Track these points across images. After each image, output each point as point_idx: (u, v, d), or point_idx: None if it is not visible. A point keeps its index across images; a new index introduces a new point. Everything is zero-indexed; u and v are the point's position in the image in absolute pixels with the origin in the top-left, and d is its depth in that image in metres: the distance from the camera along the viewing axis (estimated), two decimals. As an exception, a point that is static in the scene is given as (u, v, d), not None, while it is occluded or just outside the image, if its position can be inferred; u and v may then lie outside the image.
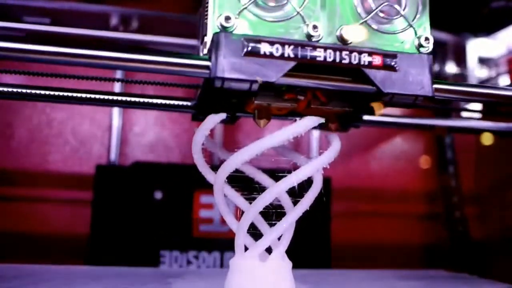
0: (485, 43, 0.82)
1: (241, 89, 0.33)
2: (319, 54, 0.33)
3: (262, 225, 0.39)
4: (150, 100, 0.51)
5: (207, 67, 0.33)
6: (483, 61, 0.82)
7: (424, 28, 0.37)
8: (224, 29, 0.32)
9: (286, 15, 0.34)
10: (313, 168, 0.36)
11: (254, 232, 0.38)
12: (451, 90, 0.38)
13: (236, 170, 0.37)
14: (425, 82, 0.35)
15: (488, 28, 0.80)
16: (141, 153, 0.79)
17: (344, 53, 0.34)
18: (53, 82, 0.67)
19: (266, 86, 0.33)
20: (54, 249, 0.73)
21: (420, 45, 0.36)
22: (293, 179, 0.35)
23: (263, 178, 0.40)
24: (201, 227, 0.70)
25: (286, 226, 0.36)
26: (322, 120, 0.37)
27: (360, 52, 0.34)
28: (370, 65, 0.34)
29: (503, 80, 0.79)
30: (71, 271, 0.51)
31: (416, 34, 0.36)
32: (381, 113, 0.41)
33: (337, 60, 0.34)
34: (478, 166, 0.89)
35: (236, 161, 0.35)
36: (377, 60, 0.34)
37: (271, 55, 0.32)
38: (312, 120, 0.35)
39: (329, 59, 0.33)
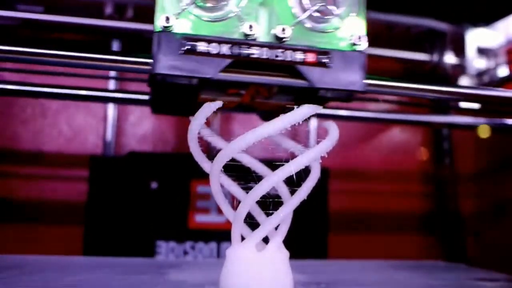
0: (484, 33, 0.81)
1: (181, 84, 0.35)
2: (255, 52, 0.36)
3: (259, 215, 0.38)
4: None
5: (149, 64, 0.35)
6: (482, 51, 0.81)
7: (358, 26, 0.39)
8: (165, 29, 0.34)
9: (225, 15, 0.36)
10: (311, 157, 0.35)
11: (251, 222, 0.37)
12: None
13: (233, 160, 0.36)
14: (357, 78, 0.37)
15: (487, 18, 0.80)
16: (136, 143, 0.78)
17: (278, 51, 0.36)
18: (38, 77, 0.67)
19: (207, 82, 0.35)
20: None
21: (354, 43, 0.38)
22: (290, 168, 0.34)
23: (260, 167, 0.39)
24: (197, 218, 0.69)
25: (283, 216, 0.36)
26: (320, 108, 0.36)
27: (294, 50, 0.36)
28: (303, 62, 0.36)
29: (502, 71, 0.79)
30: (66, 262, 0.51)
31: (350, 32, 0.38)
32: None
33: (272, 57, 0.36)
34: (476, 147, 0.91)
35: (232, 149, 0.35)
36: (310, 57, 0.36)
37: (208, 53, 0.35)
38: (310, 108, 0.35)
39: (264, 57, 0.36)
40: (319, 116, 0.69)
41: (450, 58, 0.82)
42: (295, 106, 0.35)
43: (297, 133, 0.80)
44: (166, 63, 0.34)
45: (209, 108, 0.36)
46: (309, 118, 0.36)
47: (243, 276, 0.35)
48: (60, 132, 0.76)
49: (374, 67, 0.87)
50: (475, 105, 0.77)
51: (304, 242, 0.71)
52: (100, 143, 0.76)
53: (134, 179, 0.69)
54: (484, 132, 0.85)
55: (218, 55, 0.35)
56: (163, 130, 0.79)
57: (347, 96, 0.38)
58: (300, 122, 0.35)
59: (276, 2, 0.37)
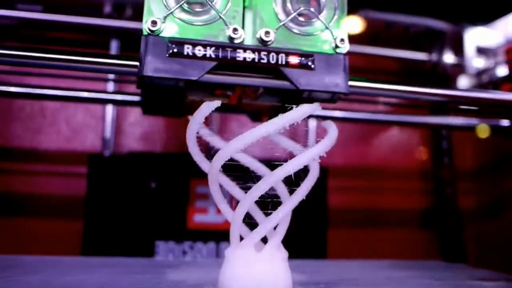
0: (483, 32, 0.81)
1: (168, 86, 0.36)
2: (239, 54, 0.36)
3: (257, 214, 0.38)
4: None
5: (136, 67, 0.37)
6: (481, 50, 0.81)
7: (340, 30, 0.40)
8: (152, 32, 0.35)
9: (211, 19, 0.37)
10: (310, 156, 0.35)
11: (250, 222, 0.37)
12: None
13: (231, 159, 0.36)
14: (340, 80, 0.38)
15: (486, 17, 0.80)
16: (135, 143, 0.78)
17: (262, 53, 0.37)
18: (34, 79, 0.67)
19: (194, 83, 0.36)
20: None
21: (337, 46, 0.39)
22: (289, 168, 0.34)
23: (258, 167, 0.39)
24: (196, 218, 0.69)
25: (282, 216, 0.36)
26: (319, 108, 0.36)
27: (277, 53, 0.37)
28: (287, 64, 0.37)
29: (501, 70, 0.79)
30: (65, 262, 0.51)
31: (333, 35, 0.39)
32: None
33: (256, 60, 0.37)
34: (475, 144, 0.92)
35: (231, 149, 0.35)
36: (293, 60, 0.37)
37: (194, 56, 0.36)
38: (309, 108, 0.35)
39: (248, 59, 0.37)
40: (317, 117, 0.69)
41: (449, 58, 0.82)
42: (294, 106, 0.35)
43: (295, 134, 0.80)
44: (153, 66, 0.35)
45: (207, 108, 0.36)
46: (307, 117, 0.37)
47: (241, 276, 0.35)
48: (59, 131, 0.76)
49: (373, 66, 0.88)
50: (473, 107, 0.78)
51: (303, 241, 0.71)
52: (99, 143, 0.76)
53: (133, 179, 0.69)
54: (483, 132, 0.86)
55: (203, 57, 0.36)
56: (162, 130, 0.79)
57: (331, 97, 0.39)
58: (299, 122, 0.35)
59: (261, 6, 0.38)
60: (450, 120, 0.73)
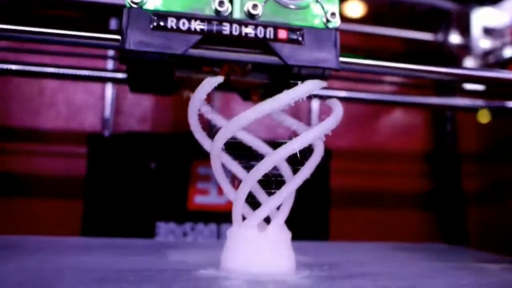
0: (490, 13, 0.80)
1: (152, 60, 0.35)
2: (225, 28, 0.35)
3: (260, 194, 0.37)
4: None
5: (117, 40, 0.36)
6: (488, 31, 0.80)
7: (331, 3, 0.38)
8: (135, 4, 0.34)
9: None
10: (314, 134, 0.34)
11: (253, 202, 0.37)
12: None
13: (234, 138, 0.36)
14: (330, 55, 0.37)
15: (494, -3, 0.78)
16: (136, 123, 0.77)
17: (250, 27, 0.36)
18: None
19: (179, 58, 0.35)
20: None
21: (328, 20, 0.37)
22: (293, 146, 0.33)
23: (261, 146, 0.38)
24: (197, 199, 0.68)
25: (286, 195, 0.35)
26: (324, 84, 0.35)
27: (265, 27, 0.36)
28: (276, 38, 0.36)
29: (508, 51, 0.77)
30: (64, 242, 0.50)
31: (323, 9, 0.38)
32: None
33: (243, 33, 0.35)
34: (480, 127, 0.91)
35: (234, 126, 0.34)
36: (282, 34, 0.36)
37: (178, 29, 0.34)
38: (314, 84, 0.34)
39: (235, 33, 0.35)
40: (320, 97, 0.68)
41: (455, 38, 0.81)
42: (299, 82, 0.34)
43: (297, 117, 0.79)
44: (136, 39, 0.34)
45: (209, 83, 0.35)
46: (310, 98, 0.36)
47: (244, 256, 0.34)
48: (58, 111, 0.75)
49: (376, 46, 0.86)
50: (479, 87, 0.77)
51: (304, 223, 0.70)
52: (99, 122, 0.75)
53: (133, 159, 0.68)
54: (484, 117, 0.85)
55: (188, 31, 0.34)
56: (163, 110, 0.78)
57: (321, 73, 0.37)
58: (304, 99, 0.34)
59: None
60: (455, 101, 0.72)
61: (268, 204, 0.35)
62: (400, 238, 0.80)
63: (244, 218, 0.36)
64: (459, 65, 0.79)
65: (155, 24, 0.34)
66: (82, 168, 0.67)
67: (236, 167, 0.37)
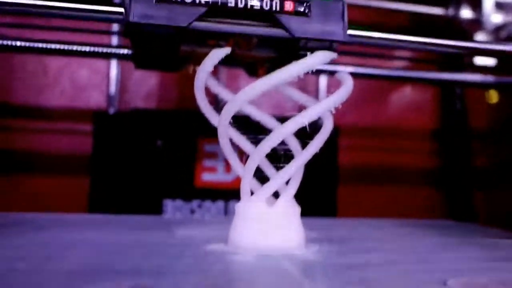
0: (503, -13, 0.78)
1: (157, 34, 0.34)
2: (230, 0, 0.34)
3: (268, 169, 0.37)
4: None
5: (120, 13, 0.35)
6: (499, 5, 0.78)
7: None
8: None
9: None
10: (323, 107, 0.33)
11: (261, 176, 0.36)
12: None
13: (241, 113, 0.35)
14: (338, 28, 0.36)
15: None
16: (141, 100, 0.76)
17: None
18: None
19: (184, 31, 0.34)
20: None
21: None
22: (302, 120, 0.32)
23: (269, 121, 0.37)
24: (204, 176, 0.68)
25: (295, 170, 0.34)
26: (335, 56, 0.34)
27: None
28: (282, 10, 0.35)
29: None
30: (71, 219, 0.50)
31: None
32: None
33: (249, 5, 0.34)
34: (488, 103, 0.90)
35: (241, 99, 0.33)
36: (288, 6, 0.35)
37: (182, 1, 0.33)
38: (324, 55, 0.33)
39: (240, 5, 0.34)
40: (328, 73, 0.67)
41: (466, 13, 0.79)
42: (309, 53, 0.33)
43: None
44: (139, 12, 0.33)
45: (216, 55, 0.34)
46: (318, 73, 0.35)
47: (252, 231, 0.34)
48: (63, 88, 0.75)
49: (384, 21, 0.84)
50: (489, 62, 0.75)
51: (312, 199, 0.70)
52: (104, 100, 0.74)
53: (139, 137, 0.68)
54: (493, 97, 0.84)
55: (193, 3, 0.33)
56: (168, 87, 0.77)
57: (328, 47, 0.36)
58: (314, 71, 0.33)
59: None
60: (465, 77, 0.70)
61: (277, 178, 0.35)
62: (408, 215, 0.79)
63: (252, 194, 0.35)
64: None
65: None
66: (88, 145, 0.67)
67: (243, 142, 0.37)
